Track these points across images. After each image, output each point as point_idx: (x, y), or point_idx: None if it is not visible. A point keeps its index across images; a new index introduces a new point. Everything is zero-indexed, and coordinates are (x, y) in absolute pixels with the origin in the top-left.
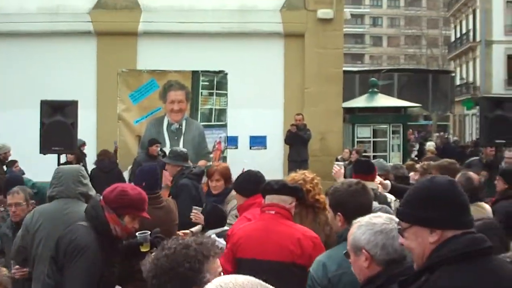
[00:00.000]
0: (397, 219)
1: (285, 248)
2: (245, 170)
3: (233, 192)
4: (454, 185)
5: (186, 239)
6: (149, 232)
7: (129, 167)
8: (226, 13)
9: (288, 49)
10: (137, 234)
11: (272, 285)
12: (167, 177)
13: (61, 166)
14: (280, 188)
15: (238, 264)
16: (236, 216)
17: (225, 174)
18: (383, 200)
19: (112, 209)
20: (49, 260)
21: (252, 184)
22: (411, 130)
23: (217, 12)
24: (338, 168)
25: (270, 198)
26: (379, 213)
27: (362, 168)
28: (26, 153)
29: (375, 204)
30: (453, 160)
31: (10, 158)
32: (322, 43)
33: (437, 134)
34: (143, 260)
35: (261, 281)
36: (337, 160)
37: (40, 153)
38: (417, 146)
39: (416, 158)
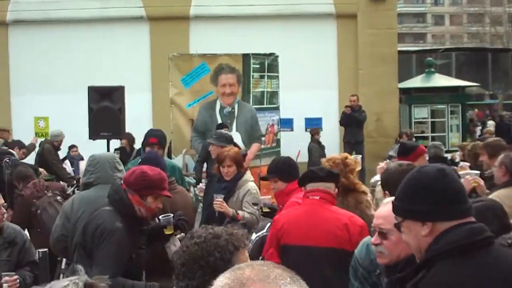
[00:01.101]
0: None
1: (332, 233)
2: (299, 152)
3: (246, 177)
4: (444, 173)
5: (216, 229)
6: (172, 215)
7: (184, 150)
8: None
9: (341, 30)
10: (160, 217)
11: (319, 271)
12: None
13: (95, 153)
14: (326, 175)
15: (283, 251)
16: (254, 204)
17: (237, 159)
18: None
19: (134, 191)
20: (77, 247)
21: (292, 168)
22: (477, 110)
23: None
24: (382, 165)
25: (313, 185)
26: None
27: (400, 151)
28: (77, 138)
29: None
30: (498, 138)
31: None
32: (375, 23)
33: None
34: (167, 242)
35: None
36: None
37: (89, 138)
38: (481, 126)
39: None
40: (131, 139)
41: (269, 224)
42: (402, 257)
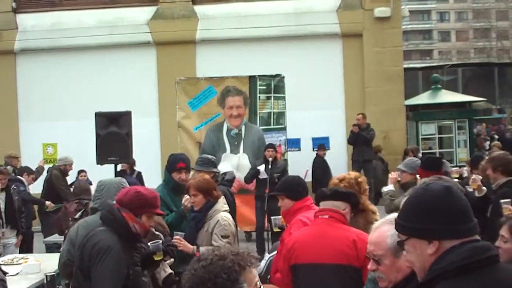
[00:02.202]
0: None
1: (340, 250)
2: (308, 171)
3: (217, 206)
4: (450, 191)
5: (222, 250)
6: (161, 241)
7: (192, 173)
8: (281, 17)
9: (347, 49)
10: (149, 243)
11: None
12: None
13: (103, 179)
14: (332, 193)
15: (294, 271)
16: (224, 237)
17: (201, 188)
18: None
19: (129, 210)
20: (74, 272)
21: (301, 187)
22: (484, 124)
23: (273, 16)
24: (395, 176)
25: (323, 204)
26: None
27: (432, 165)
28: (85, 163)
29: None
30: (504, 152)
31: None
32: (381, 42)
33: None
34: (157, 268)
35: None
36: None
37: (97, 163)
38: (489, 140)
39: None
40: (131, 162)
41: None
42: (401, 278)
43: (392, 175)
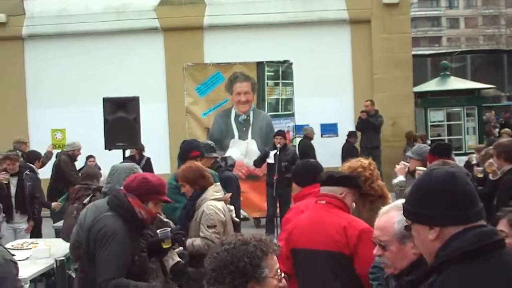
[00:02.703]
0: None
1: (330, 237)
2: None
3: (205, 195)
4: (454, 176)
5: (245, 235)
6: (170, 229)
7: (228, 155)
8: (289, 2)
9: (355, 36)
10: (158, 231)
11: (322, 275)
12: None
13: (116, 164)
14: (327, 179)
15: (293, 254)
16: (210, 226)
17: (187, 177)
18: None
19: (135, 196)
20: (81, 255)
21: (308, 173)
22: (493, 112)
23: (281, 2)
24: (402, 166)
25: (322, 189)
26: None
27: (443, 151)
28: (94, 148)
29: None
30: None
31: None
32: (389, 28)
33: None
34: (165, 256)
35: None
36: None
37: (105, 149)
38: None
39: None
40: (140, 148)
41: None
42: (406, 265)
43: (400, 165)
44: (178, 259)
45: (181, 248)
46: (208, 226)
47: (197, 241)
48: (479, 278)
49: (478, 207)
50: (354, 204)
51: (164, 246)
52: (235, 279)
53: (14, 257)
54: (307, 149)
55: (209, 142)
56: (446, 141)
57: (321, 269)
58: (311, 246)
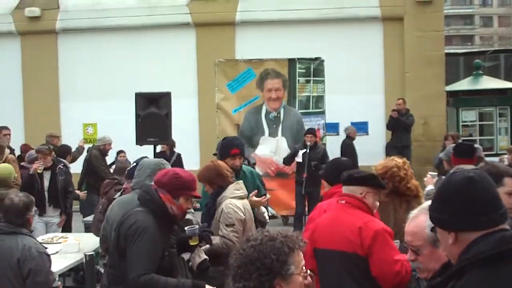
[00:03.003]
0: None
1: (345, 237)
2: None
3: (225, 193)
4: (471, 181)
5: (271, 231)
6: (197, 226)
7: (251, 154)
8: None
9: (387, 33)
10: (186, 228)
11: (339, 275)
12: None
13: (145, 159)
14: (347, 178)
15: (315, 254)
16: (228, 225)
17: (204, 177)
18: None
19: (167, 191)
20: (110, 250)
21: (336, 171)
22: None
23: None
24: (430, 177)
25: (343, 189)
26: None
27: (465, 152)
28: (125, 143)
29: None
30: None
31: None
32: (422, 26)
33: None
34: (192, 254)
35: None
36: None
37: (136, 144)
38: None
39: None
40: (171, 144)
41: None
42: (439, 267)
43: (427, 177)
44: (205, 256)
45: (207, 246)
46: (226, 225)
47: (216, 240)
48: (501, 283)
49: (500, 211)
50: (378, 204)
51: (191, 243)
52: (261, 276)
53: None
54: (348, 148)
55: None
56: (478, 142)
57: (337, 270)
58: (328, 246)
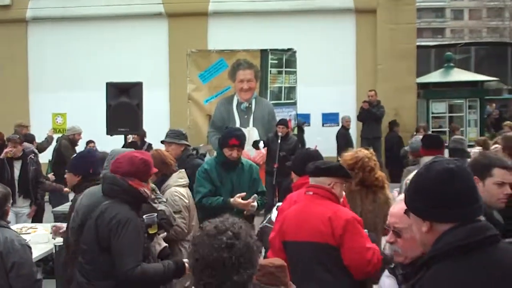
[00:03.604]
0: None
1: (316, 228)
2: (316, 147)
3: (169, 181)
4: (451, 173)
5: (229, 219)
6: (156, 214)
7: (200, 145)
8: None
9: (360, 25)
10: (144, 217)
11: (311, 267)
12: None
13: (114, 148)
14: (314, 170)
15: (284, 247)
16: (174, 212)
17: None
18: None
19: (135, 178)
20: (85, 247)
21: (305, 163)
22: (494, 105)
23: None
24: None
25: (311, 180)
26: None
27: (433, 144)
28: (95, 133)
29: None
30: None
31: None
32: (394, 19)
33: None
34: (151, 242)
35: None
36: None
37: (107, 134)
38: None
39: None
40: (142, 134)
41: (269, 216)
42: (417, 254)
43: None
44: (165, 244)
45: (165, 233)
46: (174, 212)
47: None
48: (468, 273)
49: (476, 204)
50: (344, 193)
51: (151, 232)
52: (257, 257)
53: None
54: (342, 138)
55: (181, 129)
56: (447, 133)
57: (309, 261)
58: (298, 238)
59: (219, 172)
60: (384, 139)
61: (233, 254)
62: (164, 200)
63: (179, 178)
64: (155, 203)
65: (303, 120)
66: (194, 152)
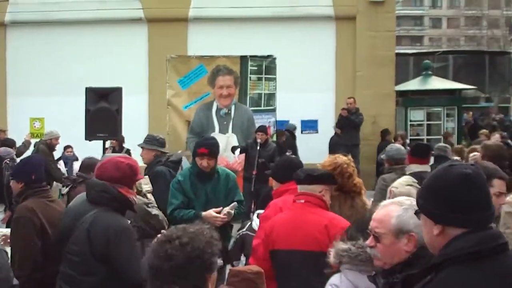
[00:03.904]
0: None
1: (312, 236)
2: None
3: None
4: (467, 179)
5: (188, 226)
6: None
7: (179, 152)
8: None
9: (340, 32)
10: None
11: (304, 276)
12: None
13: (106, 154)
14: (305, 177)
15: (274, 256)
16: None
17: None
18: None
19: (123, 184)
20: (75, 258)
21: (286, 170)
22: (471, 113)
23: None
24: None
25: (300, 188)
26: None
27: (421, 152)
28: (73, 138)
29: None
30: (500, 144)
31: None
32: (374, 26)
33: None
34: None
35: None
36: None
37: (86, 139)
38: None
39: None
40: (120, 139)
41: (249, 223)
42: (396, 261)
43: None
44: None
45: None
46: None
47: None
48: (478, 281)
49: (489, 212)
50: (330, 201)
51: None
52: (202, 273)
53: None
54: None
55: (160, 135)
56: (425, 141)
57: (302, 270)
58: (291, 247)
59: (193, 183)
60: (377, 148)
61: (171, 265)
62: (155, 205)
63: (144, 184)
64: (149, 207)
65: (288, 126)
66: (163, 159)
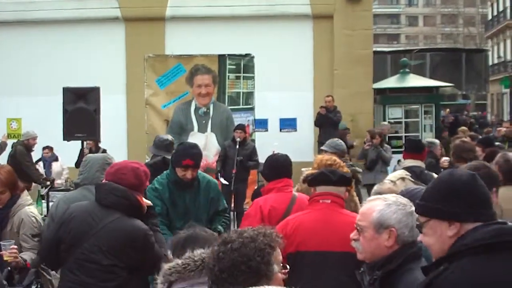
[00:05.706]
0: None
1: (345, 237)
2: (275, 152)
3: (21, 201)
4: (475, 178)
5: (249, 231)
6: (13, 241)
7: None
8: None
9: (317, 31)
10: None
11: (335, 276)
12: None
13: (90, 155)
14: (338, 179)
15: (295, 257)
16: (34, 236)
17: (9, 182)
18: (429, 179)
19: (140, 192)
20: (94, 269)
21: (275, 168)
22: (448, 110)
23: None
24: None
25: (326, 188)
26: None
27: (416, 148)
28: (51, 139)
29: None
30: (465, 140)
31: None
32: (351, 24)
33: (475, 113)
34: None
35: None
36: None
37: (64, 139)
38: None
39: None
40: (96, 139)
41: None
42: (378, 256)
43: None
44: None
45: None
46: (32, 236)
47: (26, 255)
48: (493, 272)
49: (493, 209)
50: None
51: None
52: (248, 279)
53: None
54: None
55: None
56: (403, 138)
57: (336, 272)
58: (323, 248)
59: (171, 192)
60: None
61: (219, 268)
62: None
63: (27, 195)
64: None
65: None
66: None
